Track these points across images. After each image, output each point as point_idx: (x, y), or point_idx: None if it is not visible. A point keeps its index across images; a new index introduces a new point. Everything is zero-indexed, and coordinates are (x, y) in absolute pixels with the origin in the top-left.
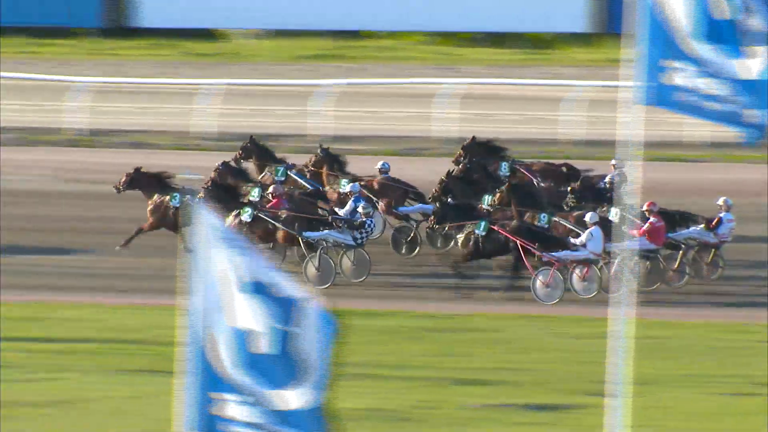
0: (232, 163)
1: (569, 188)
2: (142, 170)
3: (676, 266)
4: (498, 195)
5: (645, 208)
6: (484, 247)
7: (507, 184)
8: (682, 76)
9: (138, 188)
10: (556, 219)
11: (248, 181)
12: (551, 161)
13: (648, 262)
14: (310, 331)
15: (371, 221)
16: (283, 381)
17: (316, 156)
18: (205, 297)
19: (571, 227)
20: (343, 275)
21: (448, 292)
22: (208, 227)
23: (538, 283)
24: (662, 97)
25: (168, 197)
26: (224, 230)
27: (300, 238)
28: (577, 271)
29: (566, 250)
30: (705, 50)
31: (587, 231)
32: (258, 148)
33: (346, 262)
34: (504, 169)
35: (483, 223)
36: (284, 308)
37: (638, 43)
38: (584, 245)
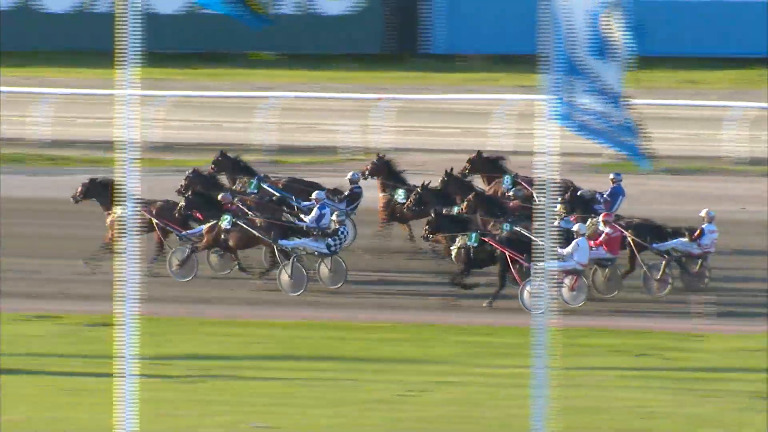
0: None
1: (560, 199)
2: (96, 180)
3: (659, 276)
4: (465, 205)
5: (601, 219)
6: (475, 258)
7: (473, 194)
8: (580, 93)
9: (93, 198)
10: (518, 228)
11: (219, 188)
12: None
13: (607, 271)
14: None
15: (344, 229)
16: None
17: (372, 164)
18: None
19: (532, 237)
20: (320, 282)
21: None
22: None
23: (526, 293)
24: (567, 116)
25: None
26: None
27: (275, 246)
28: (567, 280)
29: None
30: (597, 67)
31: (574, 242)
32: (230, 162)
33: (324, 270)
34: (507, 182)
35: (474, 235)
36: None
37: (548, 61)
38: (571, 256)
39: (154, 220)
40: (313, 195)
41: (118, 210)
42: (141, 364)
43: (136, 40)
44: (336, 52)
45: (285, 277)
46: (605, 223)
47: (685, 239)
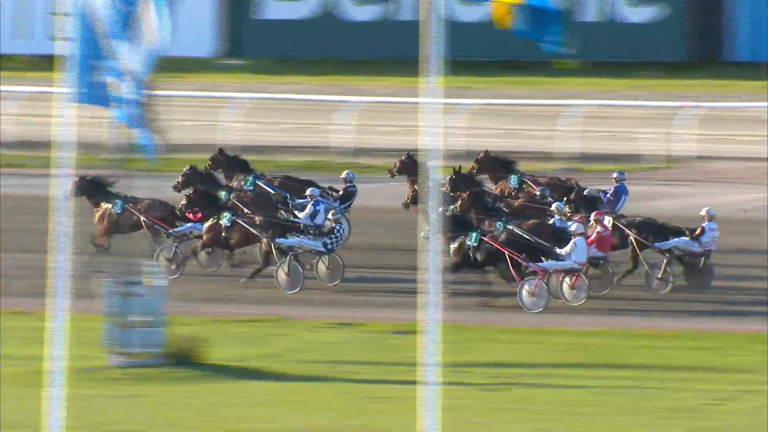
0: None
1: (565, 199)
2: (86, 178)
3: (660, 275)
4: (459, 203)
5: (593, 217)
6: (474, 257)
7: (467, 193)
8: (106, 75)
9: (83, 195)
10: (510, 227)
11: (216, 185)
12: (558, 176)
13: (598, 270)
14: None
15: (340, 226)
16: None
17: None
18: None
19: (528, 237)
20: (318, 280)
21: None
22: None
23: (524, 292)
24: (92, 95)
25: (110, 204)
26: None
27: (272, 244)
28: (567, 279)
29: (552, 260)
30: (120, 48)
31: (572, 241)
32: (226, 159)
33: (322, 267)
34: (513, 181)
35: (474, 234)
36: None
37: (69, 44)
38: (569, 255)
39: (143, 218)
40: (307, 192)
41: (106, 206)
42: (443, 372)
43: (440, 49)
44: (639, 59)
45: (282, 275)
46: (597, 221)
47: (687, 238)
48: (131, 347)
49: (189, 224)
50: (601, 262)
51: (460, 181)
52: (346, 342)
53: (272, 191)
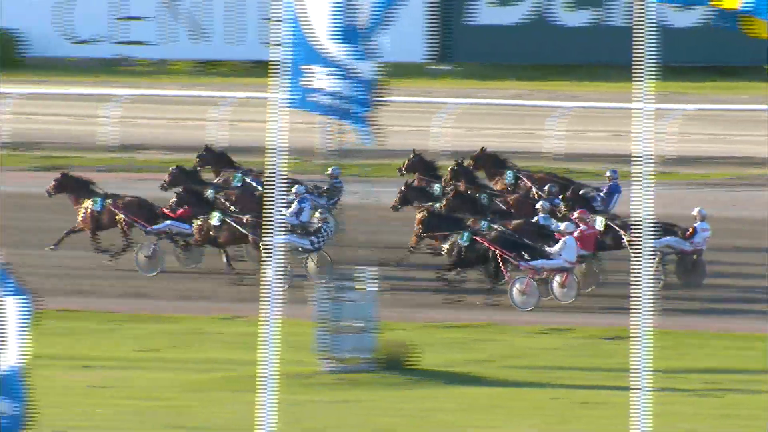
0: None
1: (561, 197)
2: (69, 175)
3: (652, 272)
4: (445, 202)
5: (576, 215)
6: (467, 256)
7: (452, 192)
8: (319, 79)
9: (66, 192)
10: (495, 226)
11: (202, 183)
12: (553, 173)
13: (583, 266)
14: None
15: (327, 225)
16: None
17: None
18: None
19: (517, 236)
20: (308, 276)
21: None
22: None
23: (515, 291)
24: (303, 100)
25: (91, 201)
26: None
27: (261, 242)
28: (557, 278)
29: (542, 259)
30: (338, 52)
31: (562, 240)
32: (214, 156)
33: (311, 264)
34: (509, 177)
35: (466, 234)
36: None
37: (283, 49)
38: (559, 254)
39: (120, 215)
40: (293, 189)
41: (88, 204)
42: (656, 378)
43: (652, 54)
44: None
45: (269, 272)
46: (580, 220)
47: (678, 237)
48: (343, 352)
49: (168, 222)
50: (586, 259)
51: (460, 174)
52: (558, 347)
53: (260, 188)
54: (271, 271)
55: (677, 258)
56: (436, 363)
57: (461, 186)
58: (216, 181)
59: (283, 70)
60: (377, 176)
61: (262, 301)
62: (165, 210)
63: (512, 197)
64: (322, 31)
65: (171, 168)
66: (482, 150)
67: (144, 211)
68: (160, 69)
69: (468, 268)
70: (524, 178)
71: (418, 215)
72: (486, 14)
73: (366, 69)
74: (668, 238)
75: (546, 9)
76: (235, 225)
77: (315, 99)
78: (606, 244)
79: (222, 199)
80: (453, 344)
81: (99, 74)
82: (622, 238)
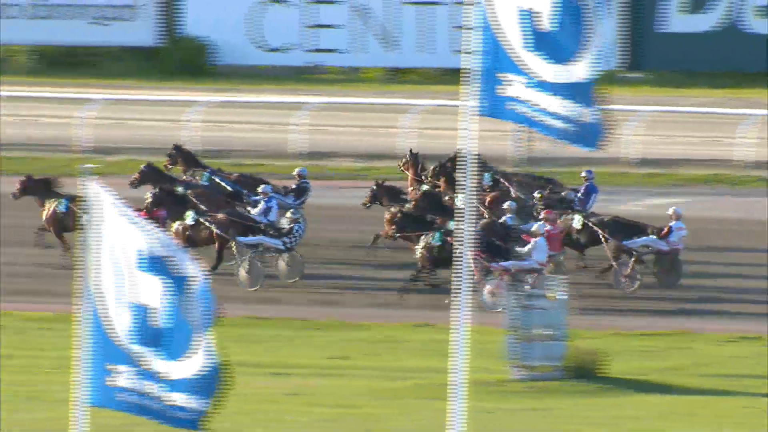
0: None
1: (539, 197)
2: (33, 177)
3: (628, 272)
4: (413, 203)
5: (542, 216)
6: (439, 256)
7: (421, 192)
8: (515, 88)
9: (31, 194)
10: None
11: (171, 181)
12: (531, 173)
13: (550, 266)
14: (196, 305)
15: (299, 226)
16: (177, 352)
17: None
18: (101, 273)
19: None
20: (279, 277)
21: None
22: (106, 204)
23: (486, 292)
24: (498, 108)
25: (55, 203)
26: (122, 206)
27: (234, 242)
28: (528, 278)
29: (513, 260)
30: (533, 62)
31: (533, 241)
32: (182, 154)
33: (282, 264)
34: (487, 178)
35: (438, 234)
36: (178, 283)
37: (475, 57)
38: (530, 255)
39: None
40: (260, 189)
41: (52, 205)
42: None
43: None
44: None
45: (243, 272)
46: (546, 220)
47: (654, 237)
48: (533, 360)
49: None
50: (553, 259)
51: (440, 174)
52: (747, 356)
53: (229, 187)
54: (459, 279)
55: (655, 258)
56: (625, 371)
57: (442, 186)
58: (184, 178)
59: (475, 78)
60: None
61: (452, 309)
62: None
63: (490, 195)
64: (516, 39)
65: (141, 166)
66: (458, 151)
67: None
68: (350, 77)
69: (441, 267)
70: (502, 179)
71: (387, 215)
72: (678, 22)
73: (568, 78)
74: (645, 238)
75: (738, 16)
76: (208, 225)
77: (513, 108)
78: (582, 243)
79: (192, 198)
80: (642, 352)
81: (289, 82)
82: (598, 236)
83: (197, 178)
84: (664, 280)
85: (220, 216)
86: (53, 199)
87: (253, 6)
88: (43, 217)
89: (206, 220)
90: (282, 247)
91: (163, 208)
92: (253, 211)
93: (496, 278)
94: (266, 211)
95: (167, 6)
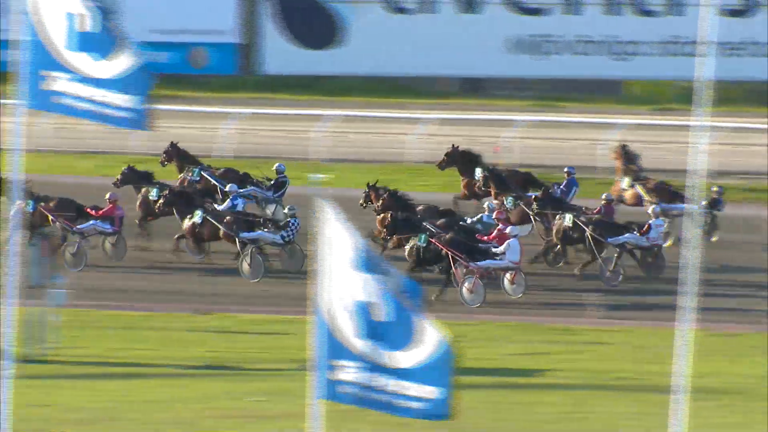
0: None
1: (533, 197)
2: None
3: (612, 267)
4: (379, 203)
5: (494, 216)
6: (425, 256)
7: (387, 194)
8: (59, 83)
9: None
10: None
11: (151, 182)
12: (518, 169)
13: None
14: (403, 299)
15: (296, 220)
16: (403, 342)
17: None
18: (329, 277)
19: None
20: (282, 268)
21: None
22: (333, 218)
23: (464, 290)
24: (42, 101)
25: (147, 190)
26: (344, 220)
27: (237, 238)
28: (508, 275)
29: (489, 260)
30: (75, 59)
31: (506, 242)
32: (177, 152)
33: (284, 256)
34: (477, 174)
35: (423, 236)
36: (388, 280)
37: (21, 56)
38: (504, 255)
39: (50, 216)
40: (227, 188)
41: (19, 203)
42: None
43: None
44: None
45: (245, 266)
46: (498, 219)
47: (636, 233)
48: None
49: (92, 221)
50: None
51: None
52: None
53: (217, 183)
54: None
55: (639, 253)
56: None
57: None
58: (179, 177)
59: (20, 76)
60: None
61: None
62: (89, 209)
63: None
64: (59, 40)
65: (123, 168)
66: (453, 147)
67: (71, 211)
68: None
69: (426, 266)
70: (490, 175)
71: (379, 217)
72: None
73: (112, 71)
74: (627, 234)
75: None
76: (215, 222)
77: (59, 101)
78: (573, 238)
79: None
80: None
81: None
82: (585, 233)
83: (189, 174)
84: (647, 274)
85: (228, 215)
86: (145, 188)
87: None
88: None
89: (212, 217)
90: (281, 241)
91: (112, 206)
92: (219, 208)
93: (473, 277)
94: (231, 208)
95: None
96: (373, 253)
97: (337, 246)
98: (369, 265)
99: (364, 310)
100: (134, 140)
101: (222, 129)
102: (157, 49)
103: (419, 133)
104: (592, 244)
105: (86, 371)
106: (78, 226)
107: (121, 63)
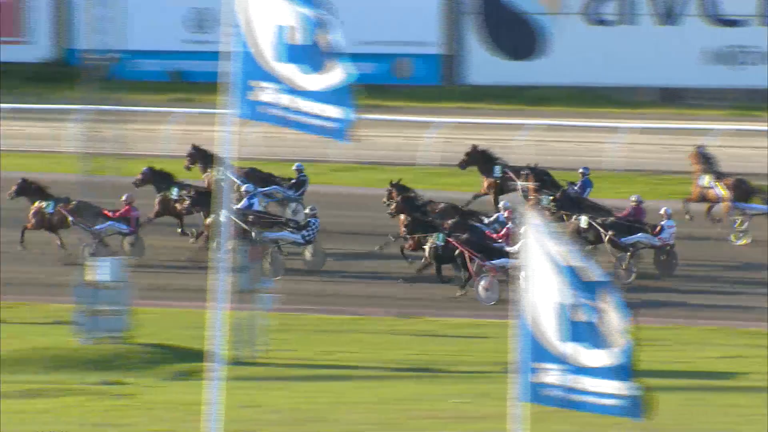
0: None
1: (551, 198)
2: (154, 169)
3: (625, 265)
4: (393, 206)
5: (506, 215)
6: (442, 255)
7: (400, 197)
8: (267, 93)
9: (25, 196)
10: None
11: (171, 182)
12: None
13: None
14: (612, 307)
15: (316, 220)
16: (601, 343)
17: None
18: (534, 283)
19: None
20: (305, 266)
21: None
22: (537, 225)
23: (480, 288)
24: (251, 111)
25: (44, 203)
26: (548, 226)
27: (260, 238)
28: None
29: (504, 258)
30: (285, 70)
31: (522, 241)
32: (201, 153)
33: (307, 255)
34: (496, 171)
35: (440, 236)
36: (592, 288)
37: (231, 67)
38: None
39: (69, 217)
40: (242, 188)
41: (40, 204)
42: None
43: None
44: None
45: (266, 264)
46: (509, 219)
47: (648, 233)
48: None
49: (108, 222)
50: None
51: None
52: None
53: (239, 183)
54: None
55: (653, 252)
56: None
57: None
58: (204, 177)
59: (231, 87)
60: None
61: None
62: (106, 211)
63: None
64: (269, 52)
65: (143, 168)
66: (473, 147)
67: (89, 213)
68: None
69: (443, 264)
70: (511, 175)
71: (402, 217)
72: None
73: (321, 84)
74: (640, 234)
75: None
76: (238, 221)
77: (266, 111)
78: (590, 240)
79: (183, 196)
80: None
81: None
82: (602, 235)
83: (212, 174)
84: (660, 271)
85: (251, 215)
86: (167, 188)
87: None
88: (30, 214)
89: (236, 217)
90: (302, 241)
91: (128, 208)
92: (237, 206)
93: (489, 275)
94: (248, 207)
95: None
96: (578, 262)
97: (542, 251)
98: (571, 271)
99: (564, 312)
100: (335, 148)
101: (426, 138)
102: (363, 60)
103: (618, 142)
104: (607, 244)
105: (295, 373)
106: (96, 227)
107: (330, 77)
